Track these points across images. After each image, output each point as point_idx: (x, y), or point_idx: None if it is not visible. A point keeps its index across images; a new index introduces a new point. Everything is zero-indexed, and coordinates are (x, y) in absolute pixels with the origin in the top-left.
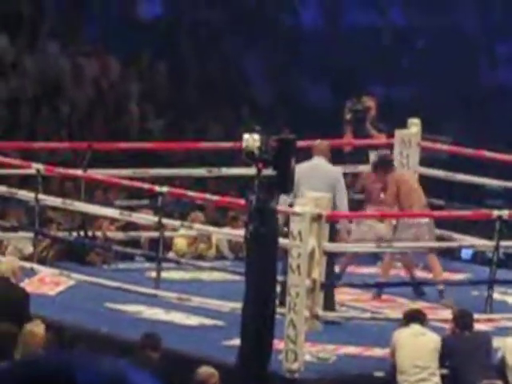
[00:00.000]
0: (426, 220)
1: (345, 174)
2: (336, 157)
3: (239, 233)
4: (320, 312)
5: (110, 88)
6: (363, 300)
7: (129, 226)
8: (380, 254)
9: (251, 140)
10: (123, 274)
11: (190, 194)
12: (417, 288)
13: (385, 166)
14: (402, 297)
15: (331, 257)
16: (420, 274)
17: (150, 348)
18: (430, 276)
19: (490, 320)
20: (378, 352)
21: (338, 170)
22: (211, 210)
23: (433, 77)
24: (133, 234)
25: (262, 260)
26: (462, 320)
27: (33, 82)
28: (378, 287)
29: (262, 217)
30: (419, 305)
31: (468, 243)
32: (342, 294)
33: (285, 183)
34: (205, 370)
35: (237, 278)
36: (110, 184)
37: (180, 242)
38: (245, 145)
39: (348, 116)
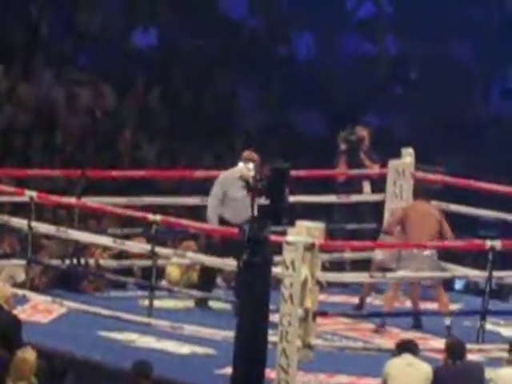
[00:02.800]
0: (428, 252)
1: (338, 205)
2: (329, 186)
3: (232, 262)
4: (313, 341)
5: (103, 116)
6: (356, 330)
7: (122, 254)
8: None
9: (246, 169)
10: (116, 302)
11: (184, 222)
12: (417, 320)
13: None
14: (395, 327)
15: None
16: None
17: (142, 376)
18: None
19: (481, 350)
20: (369, 382)
21: (221, 175)
22: (204, 239)
23: (427, 107)
24: (126, 262)
25: (255, 289)
26: (454, 350)
27: (27, 110)
28: (372, 317)
29: (255, 246)
30: (412, 335)
31: (461, 273)
32: (336, 324)
33: (278, 213)
34: None
35: (229, 307)
36: (103, 212)
37: (173, 271)
38: (239, 174)
39: (342, 146)
